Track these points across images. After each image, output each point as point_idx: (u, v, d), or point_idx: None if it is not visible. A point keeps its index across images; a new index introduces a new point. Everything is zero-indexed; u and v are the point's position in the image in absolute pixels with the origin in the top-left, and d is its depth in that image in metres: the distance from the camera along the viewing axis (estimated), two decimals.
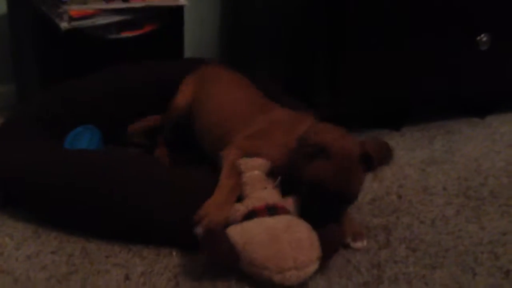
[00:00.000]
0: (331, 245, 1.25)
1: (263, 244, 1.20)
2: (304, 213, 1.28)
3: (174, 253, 1.31)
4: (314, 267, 1.22)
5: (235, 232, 1.21)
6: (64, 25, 1.69)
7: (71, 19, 1.70)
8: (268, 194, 1.29)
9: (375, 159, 1.27)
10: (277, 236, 1.20)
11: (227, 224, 1.24)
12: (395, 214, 1.51)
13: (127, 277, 1.24)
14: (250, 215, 1.25)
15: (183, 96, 1.64)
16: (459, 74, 1.99)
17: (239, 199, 1.29)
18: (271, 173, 1.33)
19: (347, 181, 1.25)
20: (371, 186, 1.64)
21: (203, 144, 1.56)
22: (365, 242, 1.37)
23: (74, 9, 1.71)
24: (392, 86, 1.92)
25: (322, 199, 1.25)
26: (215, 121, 1.53)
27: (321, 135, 1.27)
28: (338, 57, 1.82)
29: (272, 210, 1.25)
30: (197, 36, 2.27)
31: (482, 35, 1.94)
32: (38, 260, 1.28)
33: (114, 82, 1.75)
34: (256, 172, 1.31)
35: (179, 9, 1.88)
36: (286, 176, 1.32)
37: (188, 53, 2.14)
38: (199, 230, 1.23)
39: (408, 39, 1.87)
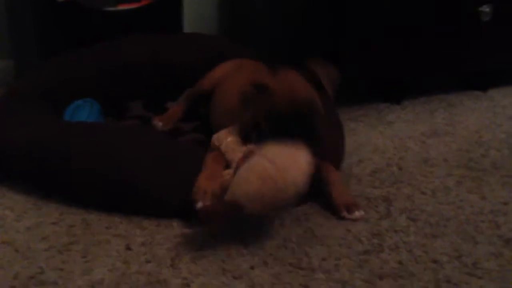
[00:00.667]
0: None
1: (249, 174, 1.20)
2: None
3: (174, 224, 1.31)
4: (299, 176, 1.21)
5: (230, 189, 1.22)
6: None
7: None
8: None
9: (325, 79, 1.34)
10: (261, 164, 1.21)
11: (224, 189, 1.24)
12: (396, 185, 1.51)
13: (127, 247, 1.24)
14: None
15: (214, 73, 1.68)
16: (461, 46, 1.98)
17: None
18: (247, 137, 1.34)
19: (295, 96, 1.27)
20: (371, 158, 1.63)
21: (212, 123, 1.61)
22: (362, 212, 1.36)
23: None
24: (394, 60, 1.91)
25: (282, 124, 1.26)
26: (222, 106, 1.56)
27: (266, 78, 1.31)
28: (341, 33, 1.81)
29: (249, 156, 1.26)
30: (197, 10, 2.25)
31: (484, 6, 1.92)
32: (39, 231, 1.28)
33: (109, 58, 1.74)
34: (229, 138, 1.34)
35: None
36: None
37: (188, 28, 2.12)
38: (199, 204, 1.24)
39: (408, 12, 1.85)
